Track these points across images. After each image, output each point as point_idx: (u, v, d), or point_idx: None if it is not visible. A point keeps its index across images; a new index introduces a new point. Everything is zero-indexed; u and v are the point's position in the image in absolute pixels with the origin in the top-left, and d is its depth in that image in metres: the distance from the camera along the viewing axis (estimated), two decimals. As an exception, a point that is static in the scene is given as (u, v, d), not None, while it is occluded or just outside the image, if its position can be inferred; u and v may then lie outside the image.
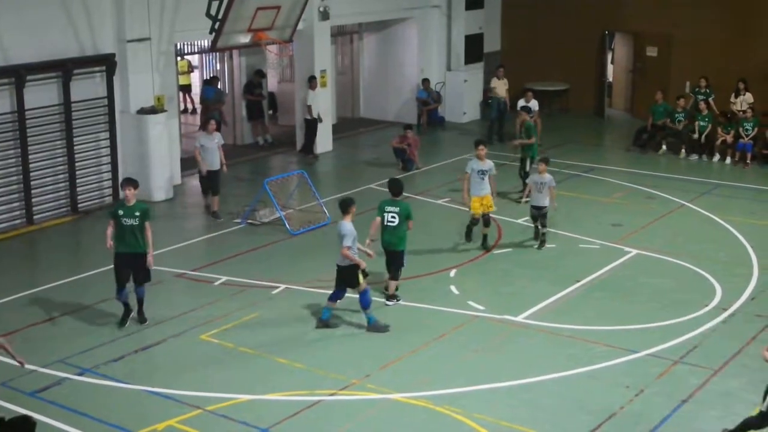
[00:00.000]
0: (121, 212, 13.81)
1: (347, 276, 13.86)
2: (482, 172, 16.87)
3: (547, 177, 17.37)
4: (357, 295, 13.99)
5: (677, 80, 27.31)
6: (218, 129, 24.38)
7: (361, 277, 13.88)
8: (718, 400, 11.90)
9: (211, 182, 19.42)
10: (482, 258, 16.95)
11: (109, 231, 13.92)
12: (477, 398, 11.95)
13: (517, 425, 11.28)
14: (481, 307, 14.77)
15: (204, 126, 20.08)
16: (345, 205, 14.02)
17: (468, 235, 17.36)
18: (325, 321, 14.09)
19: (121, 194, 14.22)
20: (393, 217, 14.73)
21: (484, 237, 17.26)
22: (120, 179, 20.30)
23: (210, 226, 19.09)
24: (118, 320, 14.09)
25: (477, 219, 17.07)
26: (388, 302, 14.93)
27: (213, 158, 19.24)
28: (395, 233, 14.76)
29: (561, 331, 13.89)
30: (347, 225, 13.75)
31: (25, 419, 8.53)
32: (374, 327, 13.99)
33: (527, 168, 20.40)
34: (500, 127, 26.36)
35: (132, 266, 13.95)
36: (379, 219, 14.73)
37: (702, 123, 24.19)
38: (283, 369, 12.75)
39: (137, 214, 13.80)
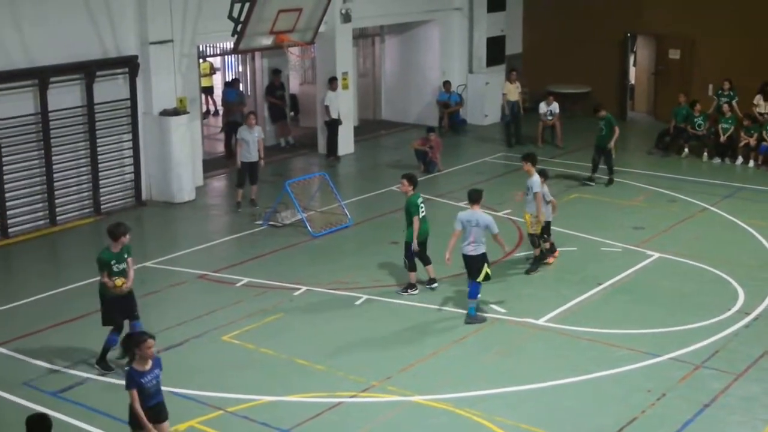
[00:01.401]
0: (113, 261, 12.54)
1: (479, 265, 14.22)
2: (528, 188, 16.46)
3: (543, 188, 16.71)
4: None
5: (700, 83, 27.20)
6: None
7: (487, 268, 14.31)
8: (740, 404, 11.83)
9: (250, 173, 20.01)
10: (504, 261, 16.91)
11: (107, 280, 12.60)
12: (498, 401, 11.93)
13: (538, 428, 11.25)
14: (502, 310, 14.75)
15: (245, 119, 20.64)
16: (478, 195, 14.60)
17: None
18: (474, 317, 14.37)
19: (109, 243, 12.70)
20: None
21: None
22: (143, 180, 20.51)
23: (232, 227, 19.17)
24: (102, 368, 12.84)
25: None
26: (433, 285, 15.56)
27: (252, 151, 19.84)
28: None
29: (582, 334, 13.86)
30: (486, 214, 14.44)
31: (42, 417, 8.50)
32: (474, 319, 14.32)
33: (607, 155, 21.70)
34: (517, 129, 26.34)
35: (127, 306, 12.83)
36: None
37: (725, 125, 24.07)
38: (304, 371, 12.77)
39: (126, 256, 12.66)
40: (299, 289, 15.67)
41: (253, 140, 19.79)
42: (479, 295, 14.46)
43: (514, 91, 26.41)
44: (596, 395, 12.10)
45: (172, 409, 11.61)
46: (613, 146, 21.83)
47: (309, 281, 15.97)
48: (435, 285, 15.55)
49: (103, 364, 12.77)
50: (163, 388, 12.12)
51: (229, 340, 13.71)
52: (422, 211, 15.21)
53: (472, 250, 14.23)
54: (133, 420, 9.91)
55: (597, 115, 21.91)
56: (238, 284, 15.92)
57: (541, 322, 14.34)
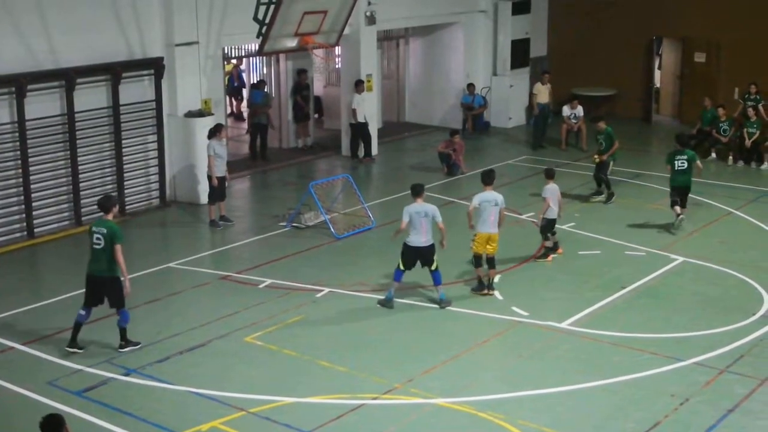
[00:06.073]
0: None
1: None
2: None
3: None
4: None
5: (726, 86, 27.07)
6: (263, 133, 24.67)
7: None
8: (764, 409, 11.75)
9: (222, 189, 19.10)
10: (526, 264, 16.89)
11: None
12: (520, 404, 11.92)
13: (561, 432, 11.24)
14: (525, 313, 14.72)
15: (215, 132, 19.04)
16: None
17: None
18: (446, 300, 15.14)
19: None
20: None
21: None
22: (168, 181, 20.61)
23: (255, 228, 19.20)
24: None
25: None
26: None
27: (224, 165, 19.05)
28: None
29: (605, 338, 13.81)
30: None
31: (48, 420, 8.34)
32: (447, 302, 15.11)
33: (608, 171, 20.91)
34: (543, 132, 26.27)
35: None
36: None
37: (750, 129, 23.96)
38: (326, 372, 12.80)
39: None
40: (322, 290, 15.69)
41: (225, 154, 19.12)
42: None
43: (545, 93, 26.30)
44: (619, 399, 12.06)
45: (194, 410, 11.71)
46: (603, 159, 20.69)
47: (332, 283, 16.00)
48: None
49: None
50: (186, 388, 12.21)
51: (252, 341, 13.75)
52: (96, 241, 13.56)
53: (426, 242, 14.80)
54: None
55: (597, 127, 21.16)
56: (261, 285, 15.97)
57: (564, 325, 14.30)
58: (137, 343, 13.51)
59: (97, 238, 13.16)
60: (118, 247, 13.05)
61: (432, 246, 14.81)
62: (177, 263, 17.02)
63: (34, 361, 13.13)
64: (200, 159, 20.40)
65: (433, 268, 14.89)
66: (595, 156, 21.03)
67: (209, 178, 18.93)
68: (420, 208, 14.75)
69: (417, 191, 14.93)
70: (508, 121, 28.85)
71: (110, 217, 13.36)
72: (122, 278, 13.19)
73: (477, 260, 15.51)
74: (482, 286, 15.53)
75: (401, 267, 14.94)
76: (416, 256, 14.86)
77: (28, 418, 11.38)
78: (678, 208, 18.72)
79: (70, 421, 8.42)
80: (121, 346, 13.44)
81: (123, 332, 13.46)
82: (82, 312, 13.38)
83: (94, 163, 19.50)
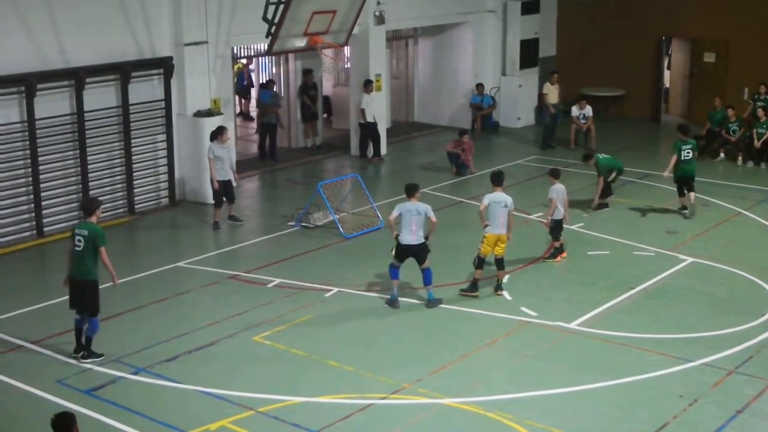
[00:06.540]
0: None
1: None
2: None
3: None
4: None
5: (735, 86, 27.01)
6: (273, 132, 24.68)
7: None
8: (773, 411, 11.75)
9: (227, 192, 19.02)
10: (535, 264, 16.87)
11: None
12: (528, 404, 11.91)
13: (569, 432, 11.23)
14: (533, 313, 14.71)
15: (217, 135, 18.90)
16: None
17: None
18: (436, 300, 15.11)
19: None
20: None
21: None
22: (177, 180, 20.64)
23: (264, 227, 19.22)
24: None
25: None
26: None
27: (227, 168, 18.94)
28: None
29: (614, 339, 13.79)
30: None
31: (59, 418, 8.36)
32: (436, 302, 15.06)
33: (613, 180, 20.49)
34: (553, 133, 26.24)
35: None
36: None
37: (760, 130, 23.90)
38: (335, 372, 12.80)
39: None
40: (330, 290, 15.70)
41: (227, 157, 18.99)
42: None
43: (555, 93, 26.23)
44: (628, 400, 12.04)
45: (203, 409, 11.73)
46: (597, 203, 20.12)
47: (340, 282, 16.01)
48: None
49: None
50: (194, 387, 12.22)
51: (260, 341, 13.77)
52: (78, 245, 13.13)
53: (416, 240, 14.80)
54: None
55: (588, 165, 20.80)
56: (270, 285, 15.99)
57: (572, 325, 14.29)
58: (100, 355, 13.11)
59: (78, 240, 12.95)
60: (103, 250, 12.91)
61: (423, 244, 14.85)
62: (185, 262, 17.05)
63: (43, 359, 13.17)
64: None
65: (424, 266, 14.89)
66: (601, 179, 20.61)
67: (211, 181, 18.95)
68: (412, 206, 14.81)
69: (411, 191, 15.02)
70: (517, 121, 28.83)
71: (93, 219, 13.13)
72: (112, 282, 13.21)
73: (480, 262, 15.40)
74: (474, 288, 15.46)
75: (393, 259, 14.96)
76: (408, 254, 14.92)
77: (36, 417, 11.44)
78: (690, 196, 19.46)
79: (78, 419, 8.43)
80: (83, 357, 13.06)
81: (88, 342, 13.11)
82: (78, 317, 13.27)
83: (104, 162, 19.54)
